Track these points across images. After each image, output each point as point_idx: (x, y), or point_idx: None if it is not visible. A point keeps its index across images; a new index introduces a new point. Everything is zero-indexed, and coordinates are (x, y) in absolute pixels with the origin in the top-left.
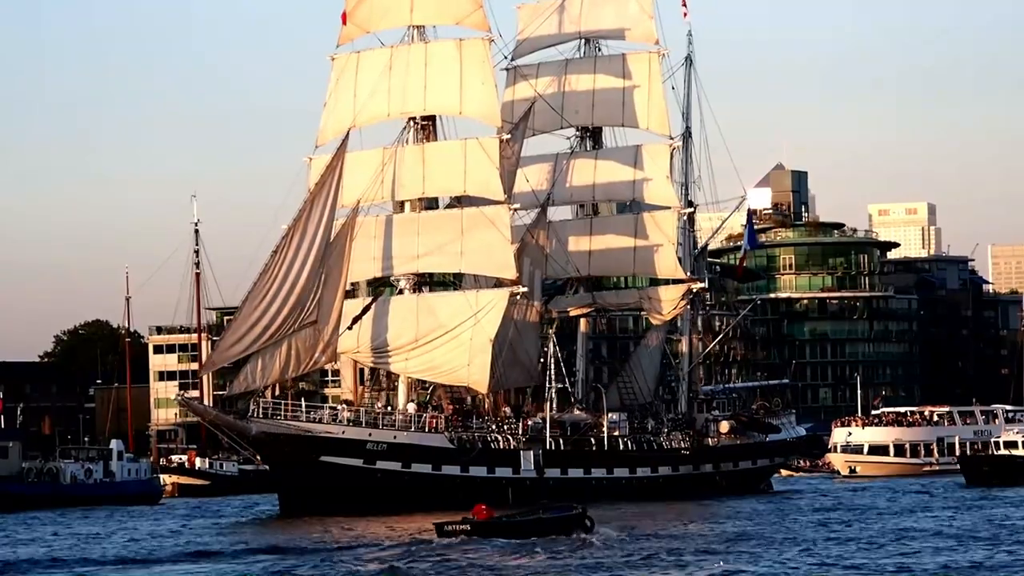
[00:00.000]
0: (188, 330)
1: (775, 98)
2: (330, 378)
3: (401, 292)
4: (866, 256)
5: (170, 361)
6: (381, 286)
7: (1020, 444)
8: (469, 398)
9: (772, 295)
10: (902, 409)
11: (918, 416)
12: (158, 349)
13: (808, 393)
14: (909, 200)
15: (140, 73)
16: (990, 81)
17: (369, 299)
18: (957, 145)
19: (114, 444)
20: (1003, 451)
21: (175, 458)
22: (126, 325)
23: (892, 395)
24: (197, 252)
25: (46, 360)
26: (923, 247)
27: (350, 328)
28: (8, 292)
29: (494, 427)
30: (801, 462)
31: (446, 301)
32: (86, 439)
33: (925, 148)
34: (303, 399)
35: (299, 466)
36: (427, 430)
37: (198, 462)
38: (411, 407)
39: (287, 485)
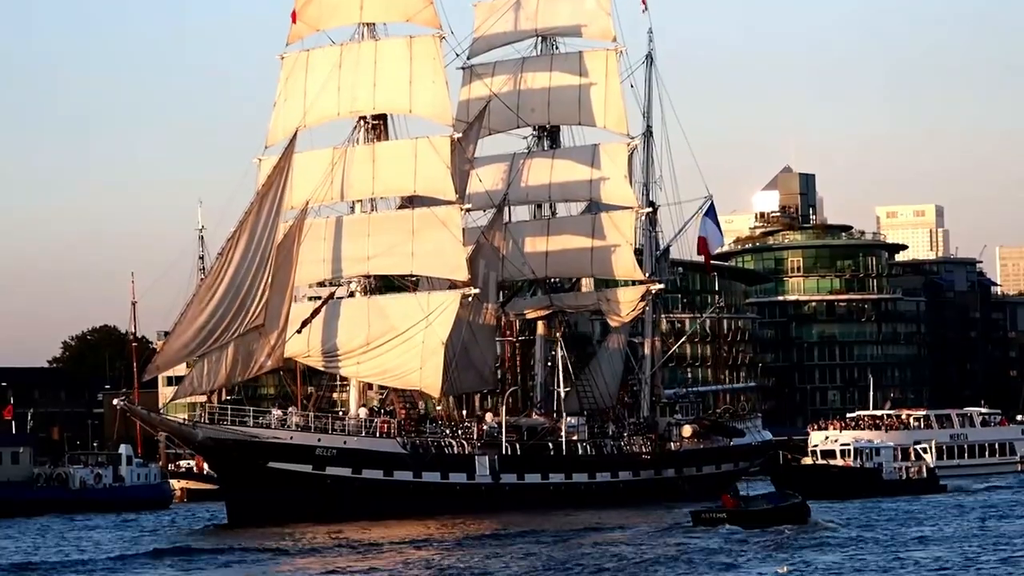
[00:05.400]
0: None
1: (783, 100)
2: (338, 383)
3: (352, 295)
4: (874, 258)
5: (179, 366)
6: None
7: (838, 453)
8: (423, 402)
9: (780, 298)
10: (879, 412)
11: (895, 419)
12: None
13: (817, 396)
14: (917, 202)
15: (136, 79)
16: (999, 81)
17: (319, 302)
18: (965, 147)
19: (123, 449)
20: (820, 460)
21: (183, 463)
22: (133, 330)
23: (901, 397)
24: (202, 258)
25: (54, 365)
26: (931, 249)
27: (299, 332)
28: (16, 297)
29: (448, 431)
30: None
31: (397, 303)
32: (95, 444)
33: (933, 150)
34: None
35: (246, 472)
36: (378, 435)
37: (206, 466)
38: (362, 411)
39: (234, 492)
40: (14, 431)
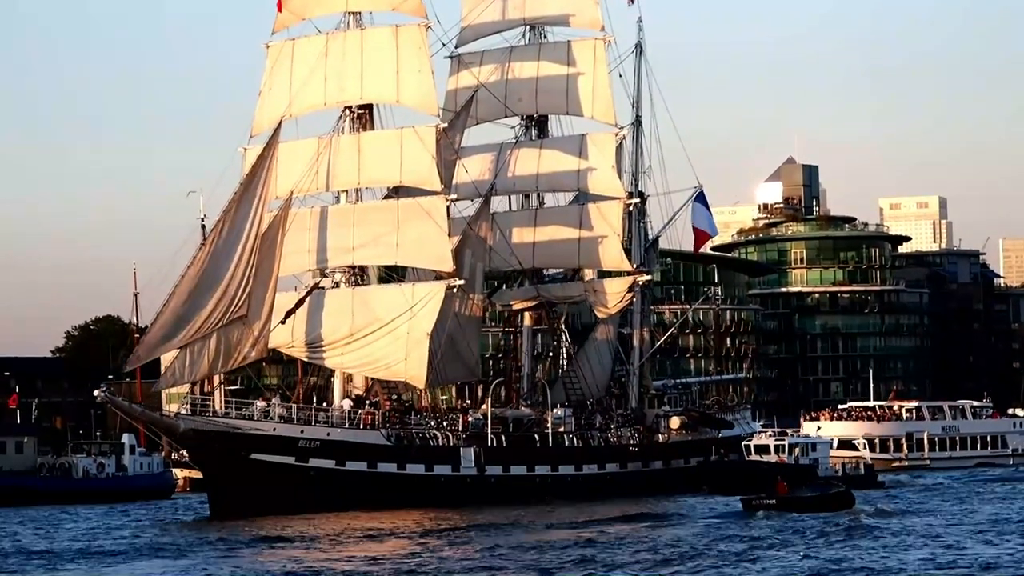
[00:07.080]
0: None
1: (786, 91)
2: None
3: (337, 285)
4: (877, 250)
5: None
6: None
7: (773, 448)
8: (410, 393)
9: (783, 289)
10: (871, 404)
11: (887, 410)
12: None
13: (820, 387)
14: (920, 194)
15: (139, 70)
16: (1002, 74)
17: (303, 292)
18: (968, 139)
19: (126, 439)
20: (753, 456)
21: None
22: (135, 321)
23: (903, 389)
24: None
25: (58, 356)
26: (934, 241)
27: (283, 322)
28: (19, 288)
29: (433, 423)
30: None
31: (382, 294)
32: (98, 434)
33: (936, 142)
34: (314, 395)
35: (228, 464)
36: (362, 427)
37: None
38: (346, 403)
39: (216, 484)
40: (18, 421)
